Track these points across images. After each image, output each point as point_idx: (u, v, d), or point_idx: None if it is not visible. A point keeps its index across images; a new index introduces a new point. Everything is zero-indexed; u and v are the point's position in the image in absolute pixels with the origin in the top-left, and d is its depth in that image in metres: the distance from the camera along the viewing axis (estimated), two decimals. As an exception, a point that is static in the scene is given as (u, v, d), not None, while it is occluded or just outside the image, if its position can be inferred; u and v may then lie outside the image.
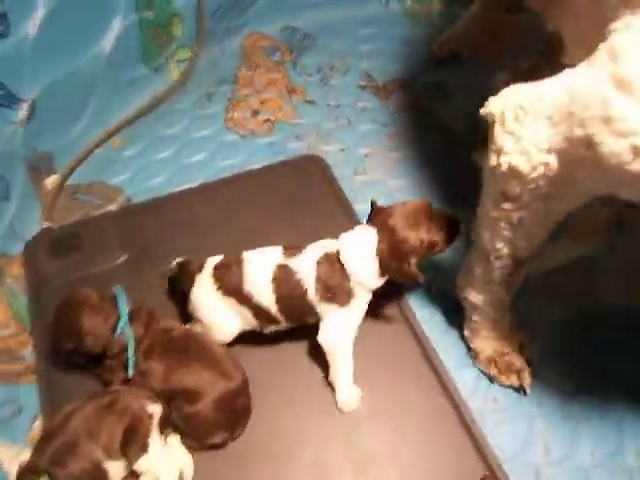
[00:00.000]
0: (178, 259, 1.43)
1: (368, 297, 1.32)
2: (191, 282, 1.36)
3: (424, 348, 1.43)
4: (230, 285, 1.31)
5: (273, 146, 1.85)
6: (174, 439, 1.29)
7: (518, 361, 1.43)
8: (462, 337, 1.48)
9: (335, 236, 1.37)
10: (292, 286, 1.28)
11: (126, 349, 1.29)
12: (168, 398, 1.27)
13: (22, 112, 1.67)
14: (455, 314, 1.49)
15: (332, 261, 1.28)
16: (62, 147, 1.81)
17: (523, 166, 1.01)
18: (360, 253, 1.27)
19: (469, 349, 1.46)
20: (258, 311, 1.31)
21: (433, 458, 1.29)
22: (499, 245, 1.20)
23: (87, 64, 1.81)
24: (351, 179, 1.76)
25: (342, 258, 1.27)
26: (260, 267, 1.31)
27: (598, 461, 1.32)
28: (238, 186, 1.71)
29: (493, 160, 1.05)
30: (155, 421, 1.24)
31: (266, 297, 1.29)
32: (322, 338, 1.31)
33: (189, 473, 1.25)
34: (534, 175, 1.01)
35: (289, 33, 2.15)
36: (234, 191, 1.70)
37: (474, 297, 1.37)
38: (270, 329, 1.36)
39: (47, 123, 1.74)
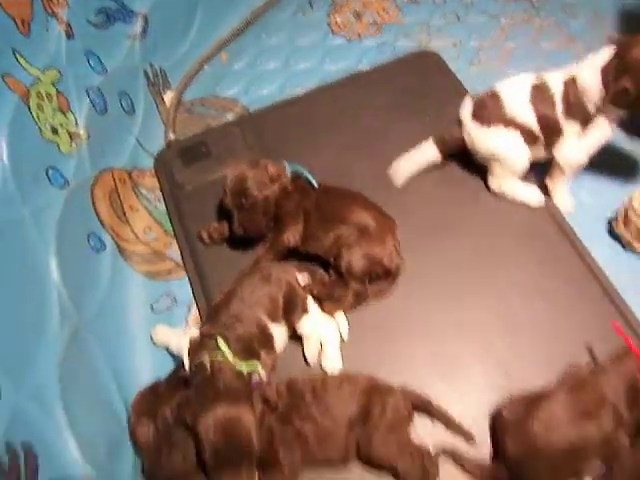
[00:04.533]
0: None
1: (608, 125, 1.37)
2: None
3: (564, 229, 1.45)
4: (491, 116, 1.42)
5: (382, 47, 1.84)
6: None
7: None
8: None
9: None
10: (547, 103, 1.39)
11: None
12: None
13: (137, 26, 1.72)
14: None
15: (573, 81, 1.36)
16: (174, 63, 1.86)
17: None
18: (590, 69, 1.33)
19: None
20: (526, 132, 1.41)
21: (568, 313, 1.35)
22: None
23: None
24: (467, 70, 1.74)
25: (577, 77, 1.35)
26: (518, 89, 1.41)
27: None
28: (355, 86, 1.72)
29: None
30: (306, 289, 1.33)
31: (528, 115, 1.40)
32: (560, 155, 1.43)
33: (345, 332, 1.34)
34: None
35: None
36: (352, 92, 1.71)
37: None
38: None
39: (160, 38, 1.79)
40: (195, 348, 1.23)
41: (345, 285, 1.36)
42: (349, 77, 1.76)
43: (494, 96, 1.42)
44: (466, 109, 1.46)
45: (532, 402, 1.17)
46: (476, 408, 1.26)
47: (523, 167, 1.45)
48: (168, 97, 1.83)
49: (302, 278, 1.36)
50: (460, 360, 1.32)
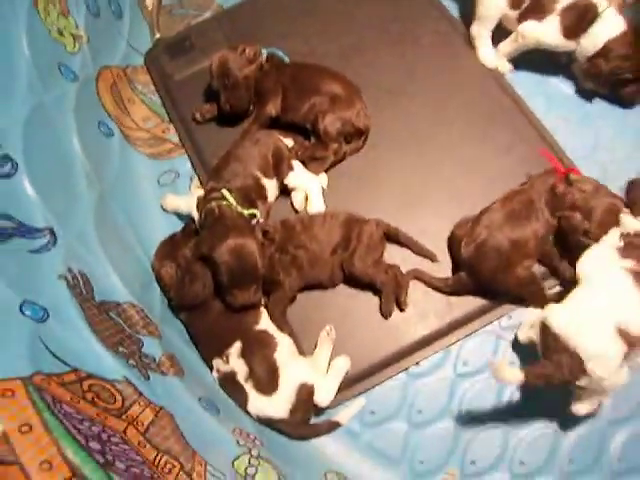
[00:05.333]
0: None
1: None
2: None
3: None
4: None
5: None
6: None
7: None
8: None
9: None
10: None
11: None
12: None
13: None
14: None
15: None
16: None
17: None
18: (610, 24, 1.60)
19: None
20: None
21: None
22: None
23: None
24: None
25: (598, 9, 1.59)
26: None
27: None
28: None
29: None
30: (292, 152, 1.60)
31: None
32: (524, 26, 1.67)
33: (325, 183, 1.63)
34: None
35: None
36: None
37: None
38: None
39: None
40: (203, 201, 1.50)
41: (324, 147, 1.62)
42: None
43: None
44: None
45: (476, 217, 1.48)
46: (437, 236, 1.57)
47: (494, 15, 1.71)
48: (150, 1, 2.00)
49: (287, 142, 1.61)
50: (422, 198, 1.63)
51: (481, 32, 1.76)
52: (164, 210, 1.66)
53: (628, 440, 1.41)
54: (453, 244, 1.53)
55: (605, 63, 1.60)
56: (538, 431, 1.43)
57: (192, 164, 1.74)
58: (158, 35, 1.94)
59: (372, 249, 1.49)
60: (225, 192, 1.46)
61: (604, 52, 1.60)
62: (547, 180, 1.46)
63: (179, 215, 1.64)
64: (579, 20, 1.61)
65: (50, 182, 1.34)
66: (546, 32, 1.65)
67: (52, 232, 1.25)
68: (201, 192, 1.55)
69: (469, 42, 1.81)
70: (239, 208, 1.45)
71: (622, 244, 1.35)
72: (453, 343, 1.51)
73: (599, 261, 1.35)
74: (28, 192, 1.26)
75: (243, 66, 1.62)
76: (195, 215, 1.53)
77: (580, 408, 1.32)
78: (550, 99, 1.75)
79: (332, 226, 1.50)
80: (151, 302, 1.46)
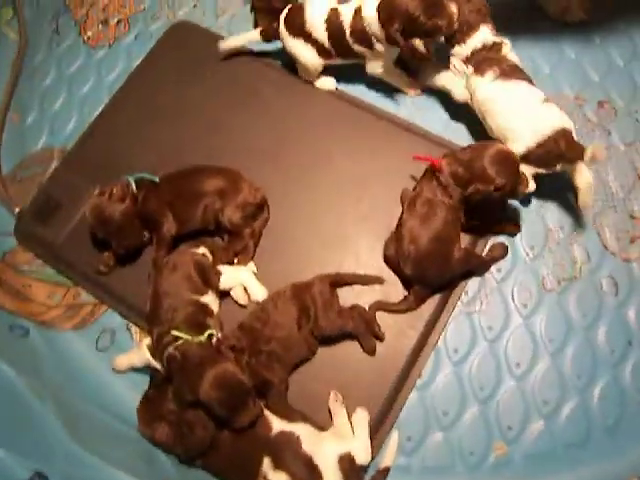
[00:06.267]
0: None
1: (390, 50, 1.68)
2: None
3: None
4: (295, 27, 1.71)
5: (140, 38, 2.02)
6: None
7: None
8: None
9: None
10: (337, 26, 1.67)
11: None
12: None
13: None
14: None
15: (359, 12, 1.64)
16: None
17: None
18: (371, 7, 1.62)
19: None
20: (319, 47, 1.71)
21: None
22: None
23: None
24: (216, 22, 2.00)
25: (362, 8, 1.64)
26: (318, 9, 1.69)
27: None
28: (141, 80, 1.91)
29: None
30: (210, 257, 1.59)
31: (321, 33, 1.69)
32: (369, 71, 1.77)
33: (254, 269, 1.64)
34: None
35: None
36: (141, 85, 1.90)
37: None
38: (330, 63, 1.77)
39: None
40: (158, 351, 1.46)
41: (240, 237, 1.63)
42: (130, 76, 1.93)
43: (300, 9, 1.70)
44: (282, 16, 1.73)
45: (396, 234, 1.57)
46: (375, 259, 1.63)
47: (316, 71, 1.78)
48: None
49: (201, 252, 1.60)
50: (343, 233, 1.68)
51: (313, 79, 1.83)
52: (119, 373, 1.60)
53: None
54: (391, 265, 1.61)
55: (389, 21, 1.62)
56: (542, 369, 1.56)
57: (121, 315, 1.68)
58: (17, 209, 1.84)
59: (329, 304, 1.53)
60: (175, 332, 1.43)
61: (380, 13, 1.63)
62: (430, 178, 1.55)
63: (136, 370, 1.58)
64: (360, 29, 1.65)
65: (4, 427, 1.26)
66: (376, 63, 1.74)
67: (40, 474, 1.18)
68: (148, 339, 1.51)
69: (305, 81, 1.85)
70: (197, 339, 1.43)
71: (472, 69, 1.62)
72: (437, 341, 1.59)
73: (478, 92, 1.61)
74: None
75: (117, 207, 1.58)
76: (154, 364, 1.49)
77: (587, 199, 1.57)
78: (395, 95, 1.86)
79: (285, 305, 1.52)
80: (165, 472, 1.41)
